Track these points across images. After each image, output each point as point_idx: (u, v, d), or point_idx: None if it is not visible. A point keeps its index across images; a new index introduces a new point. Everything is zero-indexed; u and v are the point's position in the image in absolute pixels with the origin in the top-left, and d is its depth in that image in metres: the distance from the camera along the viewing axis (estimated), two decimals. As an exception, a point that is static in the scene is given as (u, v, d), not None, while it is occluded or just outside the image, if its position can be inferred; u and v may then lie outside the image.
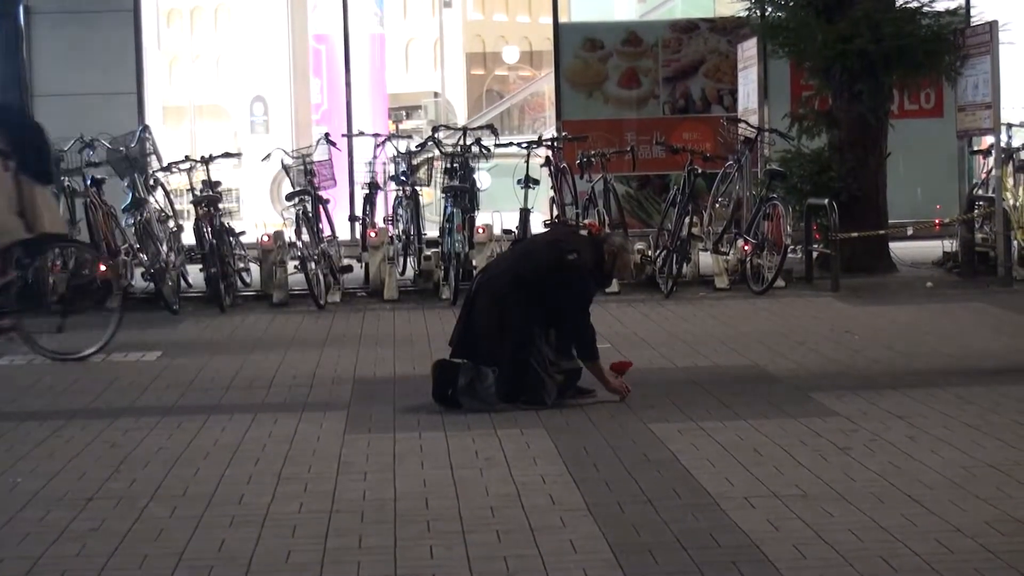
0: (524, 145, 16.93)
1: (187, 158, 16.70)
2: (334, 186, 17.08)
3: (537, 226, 16.28)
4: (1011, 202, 16.08)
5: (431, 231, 17.01)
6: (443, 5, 29.42)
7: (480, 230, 15.78)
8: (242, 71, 25.08)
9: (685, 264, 15.60)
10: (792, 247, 15.91)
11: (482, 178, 17.62)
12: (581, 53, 20.63)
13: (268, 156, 16.62)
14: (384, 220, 17.58)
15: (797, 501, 6.89)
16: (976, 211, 16.22)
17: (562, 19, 21.00)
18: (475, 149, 16.73)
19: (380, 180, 17.80)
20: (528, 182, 16.41)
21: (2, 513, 7.07)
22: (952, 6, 17.56)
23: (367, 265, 16.30)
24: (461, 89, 27.13)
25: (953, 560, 5.90)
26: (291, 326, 13.87)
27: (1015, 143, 17.20)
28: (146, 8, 20.77)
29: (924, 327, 12.70)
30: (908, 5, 16.82)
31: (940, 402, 9.23)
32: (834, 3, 16.62)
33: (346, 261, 16.35)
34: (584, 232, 12.43)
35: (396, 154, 17.54)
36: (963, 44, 16.45)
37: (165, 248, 15.73)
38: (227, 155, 16.69)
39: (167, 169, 16.74)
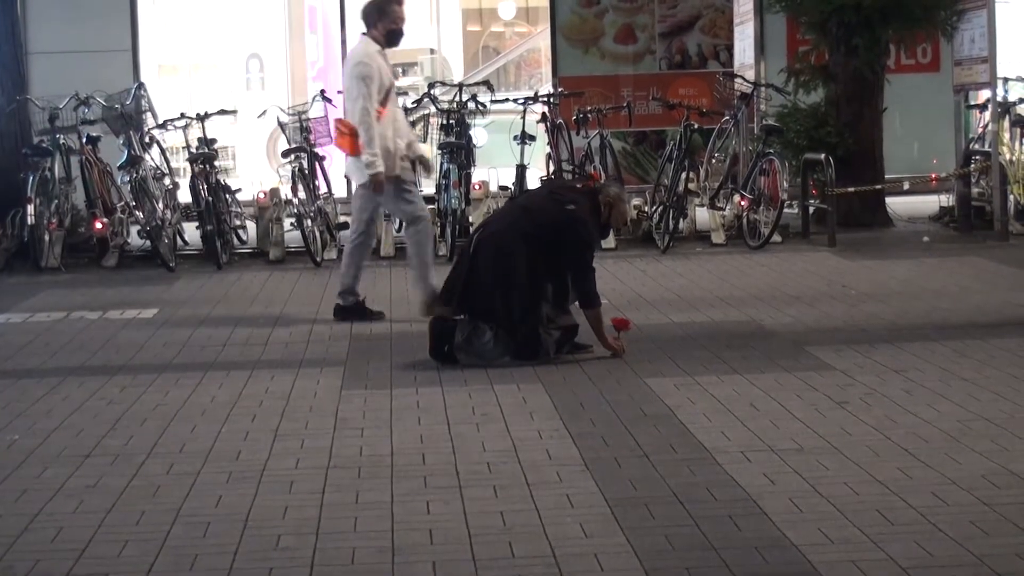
0: (520, 101, 16.89)
1: (183, 115, 16.64)
2: (330, 143, 17.02)
3: (533, 182, 16.27)
4: (1007, 156, 16.06)
5: (427, 188, 16.93)
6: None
7: (476, 186, 15.76)
8: (238, 28, 24.97)
9: (682, 220, 15.60)
10: (788, 202, 15.89)
11: (478, 134, 17.57)
12: (577, 9, 20.54)
13: (264, 113, 16.59)
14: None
15: (793, 455, 6.91)
16: (973, 165, 16.19)
17: (558, -26, 20.92)
18: (471, 105, 16.68)
19: (376, 137, 17.73)
20: (524, 138, 16.39)
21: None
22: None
23: (363, 222, 16.26)
24: (457, 45, 26.99)
25: (949, 513, 5.92)
26: (287, 283, 13.88)
27: (1011, 97, 17.16)
28: (141, -36, 20.66)
29: (920, 282, 12.70)
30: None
31: (936, 356, 9.25)
32: (831, -43, 16.57)
33: (343, 218, 16.32)
34: (580, 185, 12.42)
35: (392, 111, 17.47)
36: (959, -2, 16.42)
37: (161, 206, 15.72)
38: (223, 112, 16.63)
39: (163, 126, 16.70)
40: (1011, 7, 19.09)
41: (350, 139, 11.17)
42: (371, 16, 11.34)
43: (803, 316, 11.08)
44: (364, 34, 11.39)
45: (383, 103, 11.14)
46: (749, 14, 18.57)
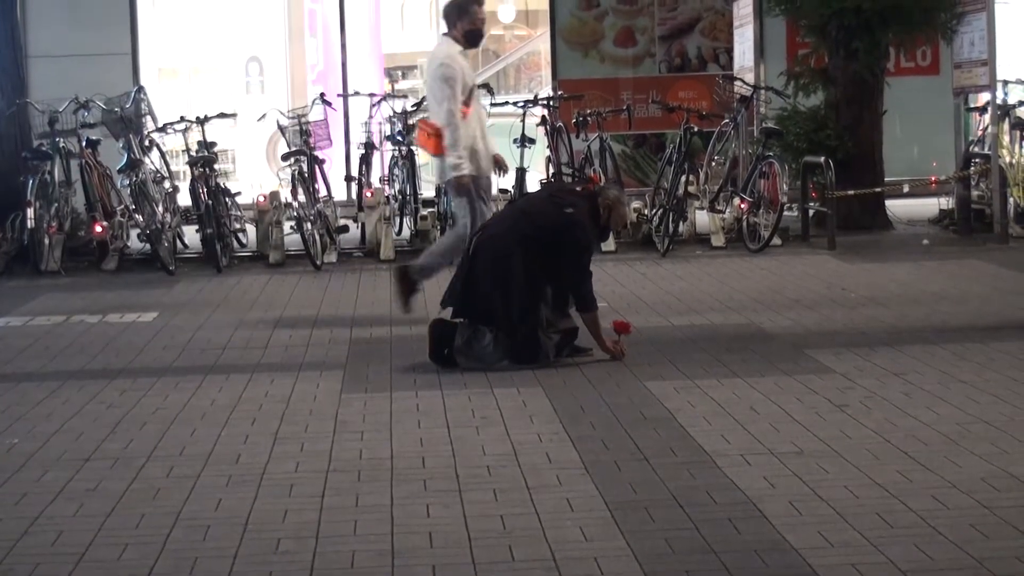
0: (520, 104, 16.90)
1: (182, 119, 16.64)
2: (330, 146, 17.03)
3: (533, 185, 16.26)
4: (1007, 159, 16.05)
5: (427, 191, 16.97)
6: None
7: (476, 189, 15.73)
8: (237, 31, 24.97)
9: (681, 223, 15.59)
10: (788, 205, 15.88)
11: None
12: (577, 12, 20.56)
13: (263, 116, 16.59)
14: (380, 180, 17.52)
15: (793, 458, 6.90)
16: (972, 168, 16.19)
17: (558, -23, 20.93)
18: (471, 108, 16.67)
19: (376, 140, 17.73)
20: (524, 141, 16.39)
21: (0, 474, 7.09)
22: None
23: (363, 225, 16.29)
24: (457, 48, 27.06)
25: (948, 516, 5.92)
26: (287, 286, 13.87)
27: (1011, 100, 17.17)
28: (141, -32, 20.67)
29: (920, 284, 12.70)
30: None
31: (936, 359, 9.24)
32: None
33: (342, 221, 16.33)
34: (579, 188, 12.43)
35: (392, 114, 17.49)
36: (959, 0, 16.40)
37: (161, 209, 15.70)
38: (222, 116, 16.64)
39: (162, 130, 16.70)
40: (1011, 9, 19.09)
41: (435, 140, 11.16)
42: (451, 16, 11.34)
43: (803, 319, 11.08)
44: (445, 34, 11.39)
45: (467, 103, 11.15)
46: (749, 17, 18.57)
